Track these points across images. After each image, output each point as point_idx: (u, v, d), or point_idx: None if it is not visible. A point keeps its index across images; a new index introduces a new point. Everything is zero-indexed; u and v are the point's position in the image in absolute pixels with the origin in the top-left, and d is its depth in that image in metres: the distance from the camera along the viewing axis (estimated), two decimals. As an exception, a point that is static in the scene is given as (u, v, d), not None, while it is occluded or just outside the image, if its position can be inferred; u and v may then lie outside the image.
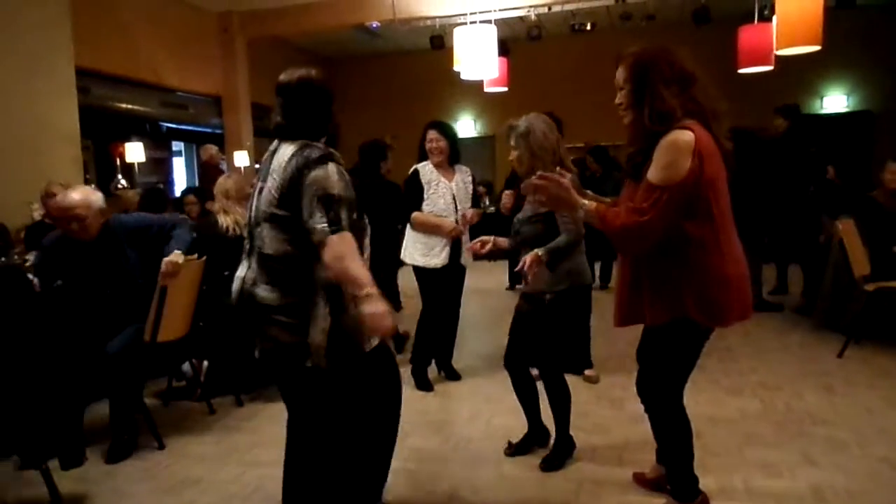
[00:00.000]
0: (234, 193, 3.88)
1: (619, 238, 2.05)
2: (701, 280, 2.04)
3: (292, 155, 1.96)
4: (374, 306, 1.83)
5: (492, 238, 2.90)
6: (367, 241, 2.06)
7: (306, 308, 1.95)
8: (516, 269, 2.72)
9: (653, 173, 2.00)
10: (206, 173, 7.65)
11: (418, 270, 3.88)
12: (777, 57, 6.02)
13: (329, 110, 2.06)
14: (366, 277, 1.86)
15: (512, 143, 2.82)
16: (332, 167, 1.93)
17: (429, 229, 3.79)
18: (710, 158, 2.00)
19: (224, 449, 3.16)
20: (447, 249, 3.79)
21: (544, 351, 2.80)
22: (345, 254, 1.86)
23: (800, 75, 8.86)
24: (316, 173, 1.90)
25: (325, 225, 1.86)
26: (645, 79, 2.05)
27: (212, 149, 7.86)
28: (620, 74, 2.15)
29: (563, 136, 3.78)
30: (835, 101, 9.90)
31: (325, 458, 2.09)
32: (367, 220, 2.07)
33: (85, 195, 3.08)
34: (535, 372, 2.98)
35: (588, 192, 2.42)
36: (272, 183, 1.97)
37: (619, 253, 2.23)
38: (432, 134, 3.85)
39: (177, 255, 3.11)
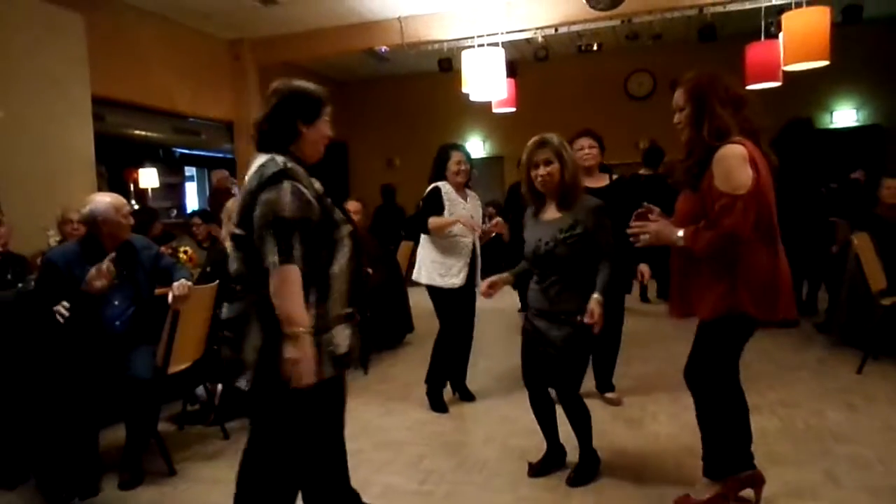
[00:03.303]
0: None
1: (711, 250, 2.22)
2: (755, 277, 2.23)
3: (255, 171, 1.91)
4: (298, 351, 1.77)
5: (497, 278, 2.94)
6: (342, 255, 1.94)
7: (243, 324, 1.89)
8: (582, 320, 2.63)
9: (722, 184, 2.20)
10: (216, 197, 7.74)
11: (435, 291, 3.86)
12: (785, 73, 6.05)
13: (290, 116, 1.95)
14: (297, 316, 1.78)
15: (544, 156, 2.73)
16: (286, 186, 1.82)
17: (448, 227, 3.77)
18: (762, 168, 2.23)
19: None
20: (466, 270, 3.81)
21: (567, 372, 2.76)
22: (280, 288, 1.79)
23: (808, 90, 8.85)
24: (268, 195, 1.82)
25: (275, 253, 1.78)
26: (704, 100, 2.27)
27: (222, 173, 7.94)
28: (680, 97, 2.36)
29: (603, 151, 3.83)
30: (844, 115, 9.88)
31: (263, 475, 2.04)
32: (344, 234, 1.95)
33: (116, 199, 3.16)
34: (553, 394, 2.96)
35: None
36: (238, 199, 1.97)
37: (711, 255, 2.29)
38: (460, 156, 3.88)
39: (185, 281, 3.15)
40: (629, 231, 2.42)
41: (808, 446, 3.12)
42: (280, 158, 1.90)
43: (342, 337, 1.95)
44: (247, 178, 1.94)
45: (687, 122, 2.33)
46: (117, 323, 3.11)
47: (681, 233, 2.29)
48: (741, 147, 2.20)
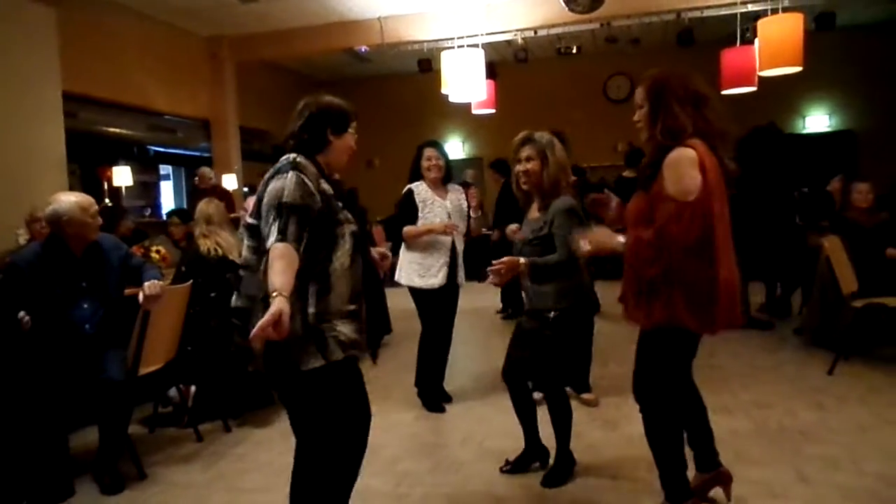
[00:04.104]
0: (216, 218, 3.88)
1: (650, 258, 2.15)
2: (691, 287, 2.14)
3: (272, 167, 2.05)
4: (273, 308, 1.76)
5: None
6: (342, 253, 2.01)
7: (250, 313, 1.96)
8: (553, 316, 2.70)
9: (672, 189, 2.13)
10: (197, 197, 7.57)
11: (416, 292, 3.84)
12: (760, 78, 6.13)
13: (320, 126, 2.10)
14: (278, 283, 1.79)
15: (527, 154, 2.75)
16: (291, 176, 1.94)
17: (422, 236, 3.77)
18: (710, 173, 2.13)
19: (211, 476, 3.10)
20: (445, 269, 3.78)
21: (547, 368, 2.78)
22: (274, 261, 1.84)
23: (782, 96, 9.01)
24: (275, 184, 1.95)
25: (275, 233, 1.87)
26: (661, 98, 2.20)
27: (203, 171, 7.78)
28: (639, 95, 2.29)
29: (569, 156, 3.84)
30: (817, 120, 10.07)
31: (305, 461, 2.09)
32: (346, 231, 2.02)
33: (82, 198, 3.07)
34: (537, 396, 2.96)
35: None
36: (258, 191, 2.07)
37: (647, 264, 2.21)
38: (430, 152, 3.87)
39: (156, 281, 3.08)
40: (590, 201, 2.45)
41: (781, 446, 3.16)
42: (293, 155, 2.02)
43: (345, 328, 2.00)
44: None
45: (646, 121, 2.26)
46: (87, 326, 3.04)
47: (622, 238, 2.24)
48: (692, 151, 2.13)
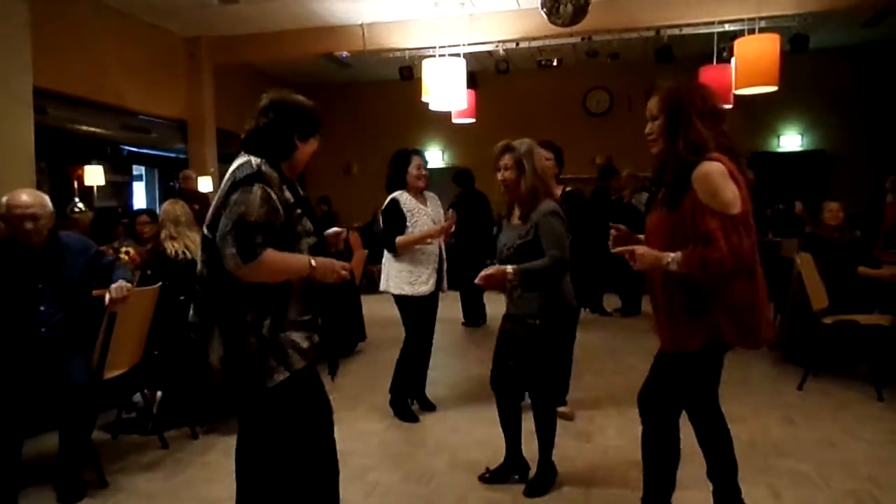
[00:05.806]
0: (184, 219, 3.80)
1: (713, 275, 2.02)
2: (733, 303, 2.09)
3: (231, 172, 1.95)
4: (321, 264, 1.98)
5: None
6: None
7: (205, 331, 1.97)
8: (538, 323, 2.68)
9: (713, 205, 2.01)
10: (187, 199, 7.36)
11: (404, 300, 3.77)
12: (736, 96, 6.23)
13: (289, 130, 2.02)
14: (300, 263, 1.93)
15: (505, 162, 2.73)
16: (257, 190, 1.87)
17: (418, 243, 3.70)
18: (740, 186, 2.07)
19: (176, 485, 3.01)
20: (434, 276, 3.76)
21: (536, 377, 2.76)
22: (271, 272, 1.88)
23: (757, 115, 9.18)
24: (237, 197, 1.87)
25: (236, 256, 1.83)
26: (680, 110, 2.10)
27: (187, 174, 7.62)
28: (654, 105, 2.18)
29: (562, 164, 3.86)
30: (790, 140, 10.27)
31: (258, 479, 2.06)
32: (304, 247, 2.02)
33: (37, 195, 2.99)
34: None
35: None
36: (215, 200, 1.98)
37: (710, 283, 2.08)
38: (419, 161, 3.83)
39: (124, 282, 2.99)
40: (613, 251, 2.25)
41: (752, 461, 3.17)
42: (255, 161, 1.93)
43: (297, 336, 2.00)
44: (225, 177, 1.98)
45: (660, 133, 2.16)
46: (43, 329, 2.92)
47: (673, 256, 2.05)
48: (719, 164, 2.04)
